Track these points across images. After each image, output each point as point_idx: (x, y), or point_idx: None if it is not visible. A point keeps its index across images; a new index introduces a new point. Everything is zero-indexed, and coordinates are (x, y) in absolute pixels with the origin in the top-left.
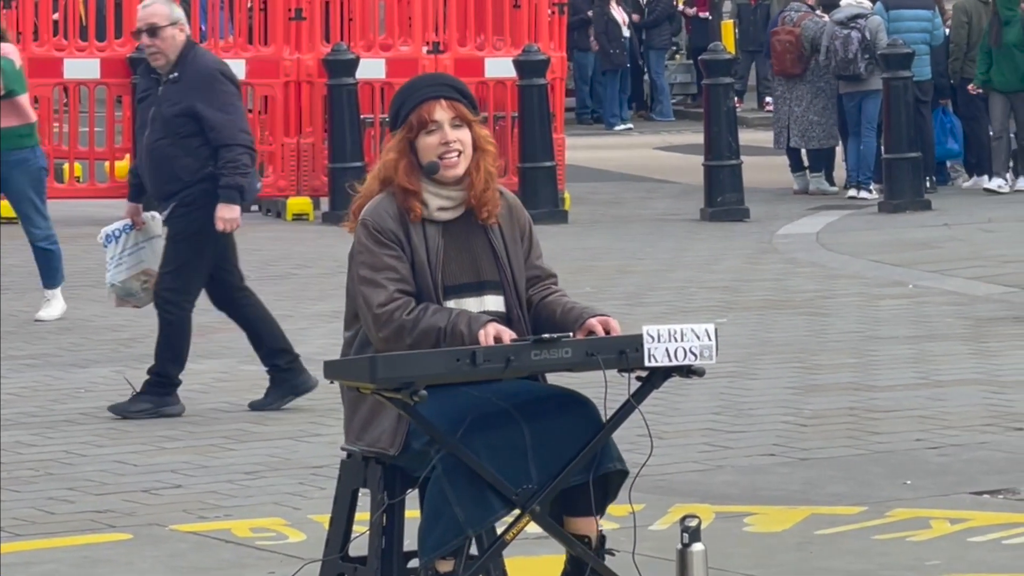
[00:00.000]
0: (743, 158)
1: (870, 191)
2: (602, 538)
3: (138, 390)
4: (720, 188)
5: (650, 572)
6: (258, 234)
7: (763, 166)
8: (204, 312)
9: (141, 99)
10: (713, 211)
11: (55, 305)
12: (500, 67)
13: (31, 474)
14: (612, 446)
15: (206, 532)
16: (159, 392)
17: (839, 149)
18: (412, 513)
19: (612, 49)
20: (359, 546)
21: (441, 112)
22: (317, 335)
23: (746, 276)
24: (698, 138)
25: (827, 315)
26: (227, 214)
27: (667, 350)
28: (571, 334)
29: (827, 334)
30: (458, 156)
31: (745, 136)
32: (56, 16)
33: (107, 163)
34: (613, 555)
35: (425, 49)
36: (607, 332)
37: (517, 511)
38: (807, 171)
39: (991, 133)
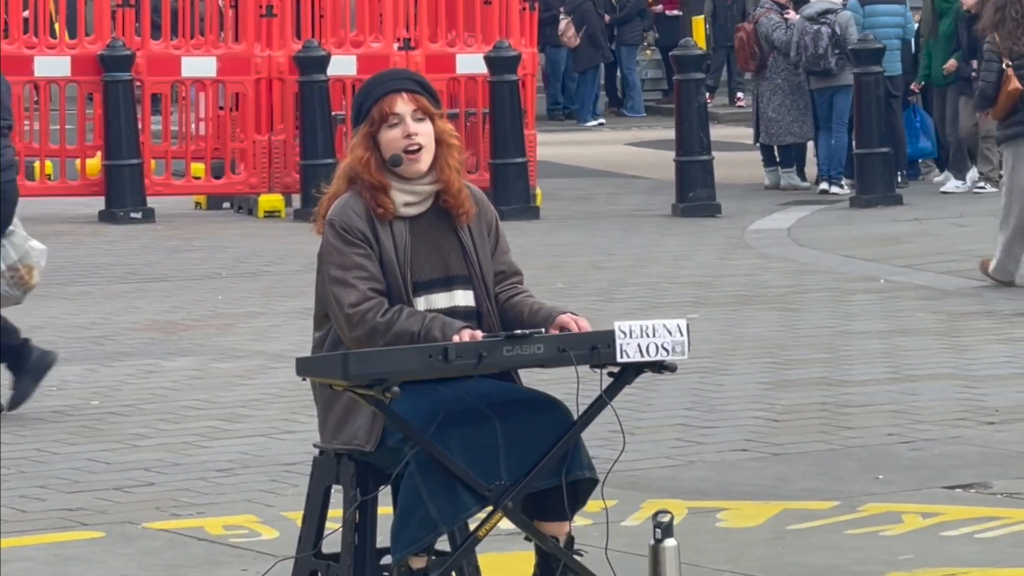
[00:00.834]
0: (714, 154)
1: (841, 186)
2: (571, 539)
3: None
4: (692, 184)
5: (623, 568)
6: (230, 231)
7: (734, 162)
8: (176, 310)
9: None
10: (685, 207)
11: None
12: (471, 63)
13: (2, 472)
14: (582, 453)
15: (179, 530)
16: (17, 363)
17: (810, 144)
18: (385, 510)
19: (601, 44)
20: (332, 543)
21: (403, 105)
22: (289, 332)
23: (718, 272)
24: (670, 134)
25: (799, 310)
26: None
27: (639, 346)
28: (543, 330)
29: (799, 329)
30: (419, 150)
31: (716, 132)
32: (26, 14)
33: (78, 161)
34: (582, 555)
35: (396, 46)
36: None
37: (490, 507)
38: (779, 166)
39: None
